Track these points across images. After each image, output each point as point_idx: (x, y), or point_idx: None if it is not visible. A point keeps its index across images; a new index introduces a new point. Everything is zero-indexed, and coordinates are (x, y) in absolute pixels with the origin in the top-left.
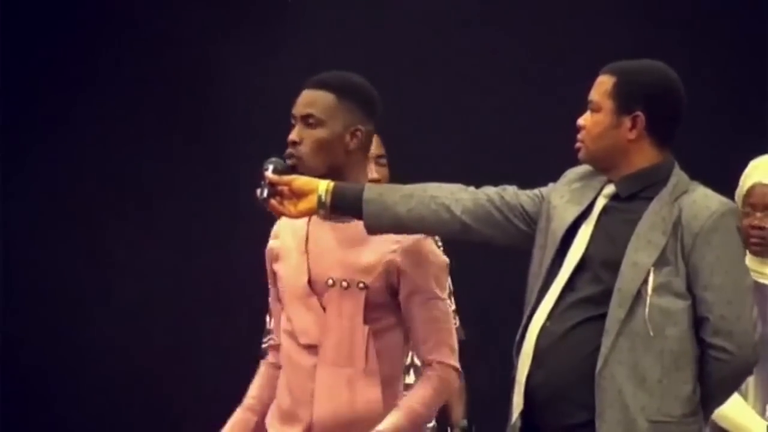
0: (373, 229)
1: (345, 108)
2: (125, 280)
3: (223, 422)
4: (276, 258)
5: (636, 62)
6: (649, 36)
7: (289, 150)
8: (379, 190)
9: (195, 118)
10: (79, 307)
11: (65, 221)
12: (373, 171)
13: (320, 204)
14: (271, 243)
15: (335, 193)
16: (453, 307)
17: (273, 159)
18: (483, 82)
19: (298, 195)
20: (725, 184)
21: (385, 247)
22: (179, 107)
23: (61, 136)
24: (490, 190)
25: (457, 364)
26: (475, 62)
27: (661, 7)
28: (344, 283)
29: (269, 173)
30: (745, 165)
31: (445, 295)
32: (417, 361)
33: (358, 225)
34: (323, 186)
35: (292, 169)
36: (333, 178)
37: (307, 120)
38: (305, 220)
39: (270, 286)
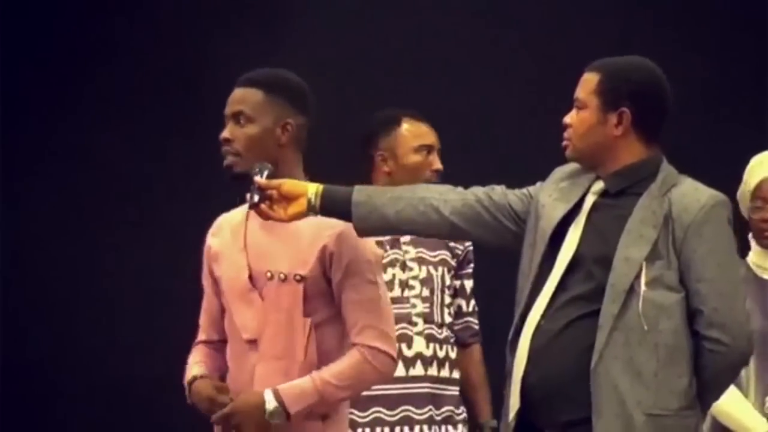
0: (362, 231)
1: (273, 103)
2: (127, 280)
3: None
4: (215, 258)
5: (620, 59)
6: (649, 34)
7: (225, 148)
8: (368, 192)
9: (196, 117)
10: (81, 307)
11: (66, 221)
12: (437, 162)
13: (310, 207)
14: (210, 241)
15: (324, 196)
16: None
17: (261, 164)
18: (475, 81)
19: (288, 199)
20: (725, 181)
21: (319, 236)
22: (180, 106)
23: (61, 136)
24: (478, 191)
25: (389, 349)
26: (470, 61)
27: (661, 4)
28: (282, 275)
29: (259, 178)
30: (744, 160)
31: (379, 281)
32: (425, 352)
33: None
34: (312, 189)
35: (228, 169)
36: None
37: (237, 118)
38: (243, 216)
39: (204, 282)
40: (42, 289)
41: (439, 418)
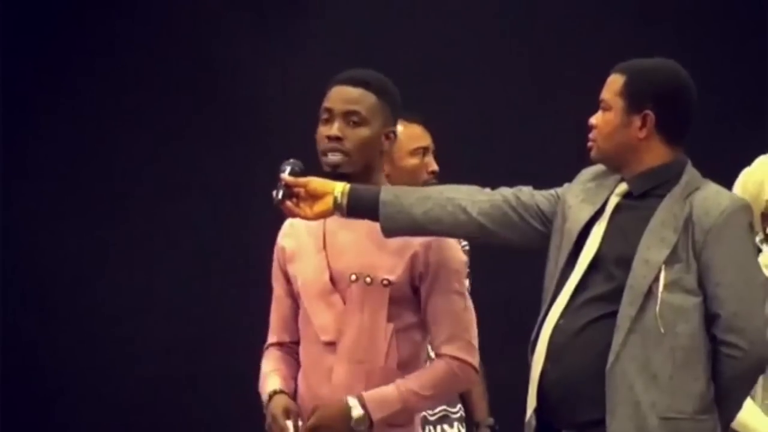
0: (389, 232)
1: (383, 109)
2: (131, 279)
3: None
4: (290, 258)
5: (647, 61)
6: (649, 34)
7: (332, 144)
8: (396, 192)
9: (211, 115)
10: (81, 305)
11: (67, 219)
12: (433, 163)
13: (336, 206)
14: (283, 242)
15: (351, 196)
16: None
17: (290, 161)
18: (500, 82)
19: (314, 197)
20: (725, 181)
21: (409, 242)
22: (185, 105)
23: (68, 132)
24: (506, 191)
25: (474, 361)
26: (494, 60)
27: (661, 5)
28: (368, 279)
29: (285, 175)
30: (744, 161)
31: (465, 291)
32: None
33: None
34: (339, 188)
35: (334, 167)
36: (363, 179)
37: (350, 117)
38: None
39: (275, 284)
40: (42, 287)
41: (433, 417)
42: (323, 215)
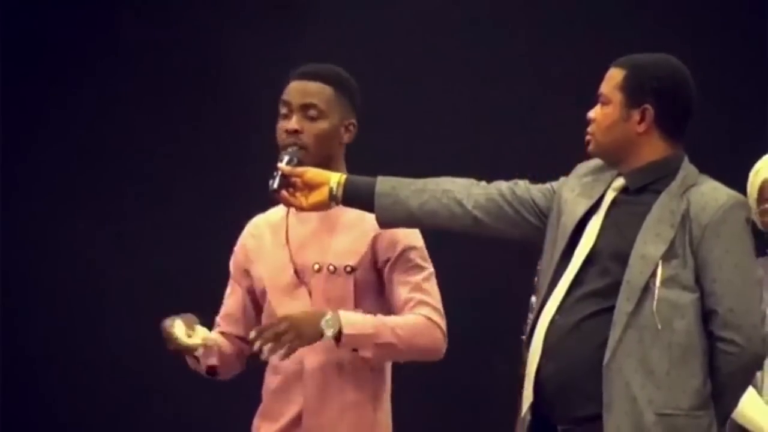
0: (385, 223)
1: (341, 101)
2: (132, 280)
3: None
4: (254, 258)
5: (647, 56)
6: (649, 34)
7: (291, 139)
8: (392, 183)
9: (206, 111)
10: (82, 306)
11: (67, 216)
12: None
13: (331, 196)
14: (246, 241)
15: (347, 186)
16: None
17: (289, 150)
18: (496, 77)
19: (310, 187)
20: (724, 182)
21: (369, 226)
22: (191, 100)
23: (66, 129)
24: (501, 185)
25: (442, 324)
26: (489, 57)
27: (661, 5)
28: (331, 267)
29: (283, 164)
30: (744, 162)
31: (428, 266)
32: None
33: (337, 212)
34: (335, 178)
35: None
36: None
37: (307, 111)
38: (283, 215)
39: (231, 279)
40: (42, 284)
41: None
42: (319, 205)
